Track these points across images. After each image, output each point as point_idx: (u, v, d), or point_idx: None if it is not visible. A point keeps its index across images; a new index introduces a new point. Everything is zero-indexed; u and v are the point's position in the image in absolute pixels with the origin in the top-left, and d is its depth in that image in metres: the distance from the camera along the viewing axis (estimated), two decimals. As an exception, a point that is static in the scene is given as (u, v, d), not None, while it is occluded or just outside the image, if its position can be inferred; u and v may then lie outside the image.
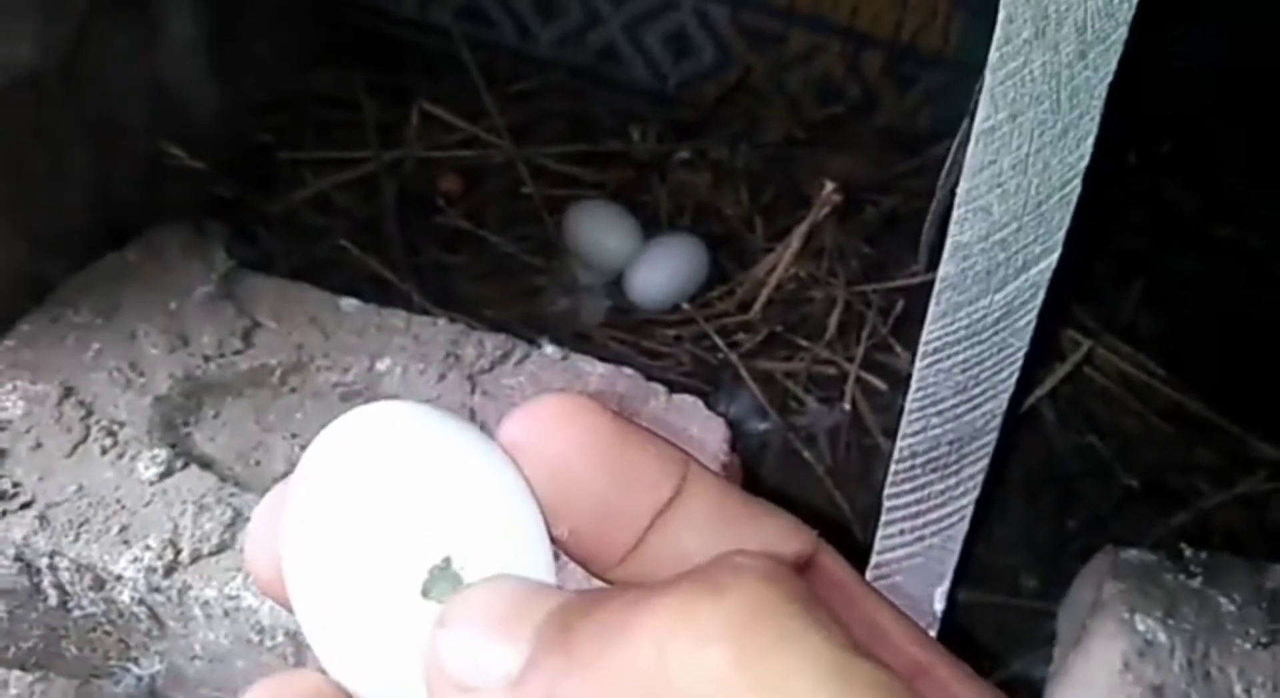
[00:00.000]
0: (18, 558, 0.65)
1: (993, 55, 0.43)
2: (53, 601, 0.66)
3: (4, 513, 0.65)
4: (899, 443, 0.54)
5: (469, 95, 1.16)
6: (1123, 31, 0.43)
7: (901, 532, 0.59)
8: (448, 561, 0.23)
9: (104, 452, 0.69)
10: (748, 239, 1.10)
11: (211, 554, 0.65)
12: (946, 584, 0.61)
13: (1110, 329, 1.04)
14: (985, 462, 0.55)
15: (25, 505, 0.66)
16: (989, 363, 0.50)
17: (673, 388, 0.80)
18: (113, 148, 0.92)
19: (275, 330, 0.80)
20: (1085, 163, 0.45)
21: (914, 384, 0.52)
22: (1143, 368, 1.02)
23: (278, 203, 1.06)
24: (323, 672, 0.23)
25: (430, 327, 0.82)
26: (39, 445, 0.69)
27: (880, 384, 0.97)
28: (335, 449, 0.24)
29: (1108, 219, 1.10)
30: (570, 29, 1.25)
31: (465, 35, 1.21)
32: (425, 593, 0.22)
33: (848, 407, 0.96)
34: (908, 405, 0.52)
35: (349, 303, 0.83)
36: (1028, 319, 0.49)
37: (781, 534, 0.26)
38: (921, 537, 0.59)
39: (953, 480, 0.56)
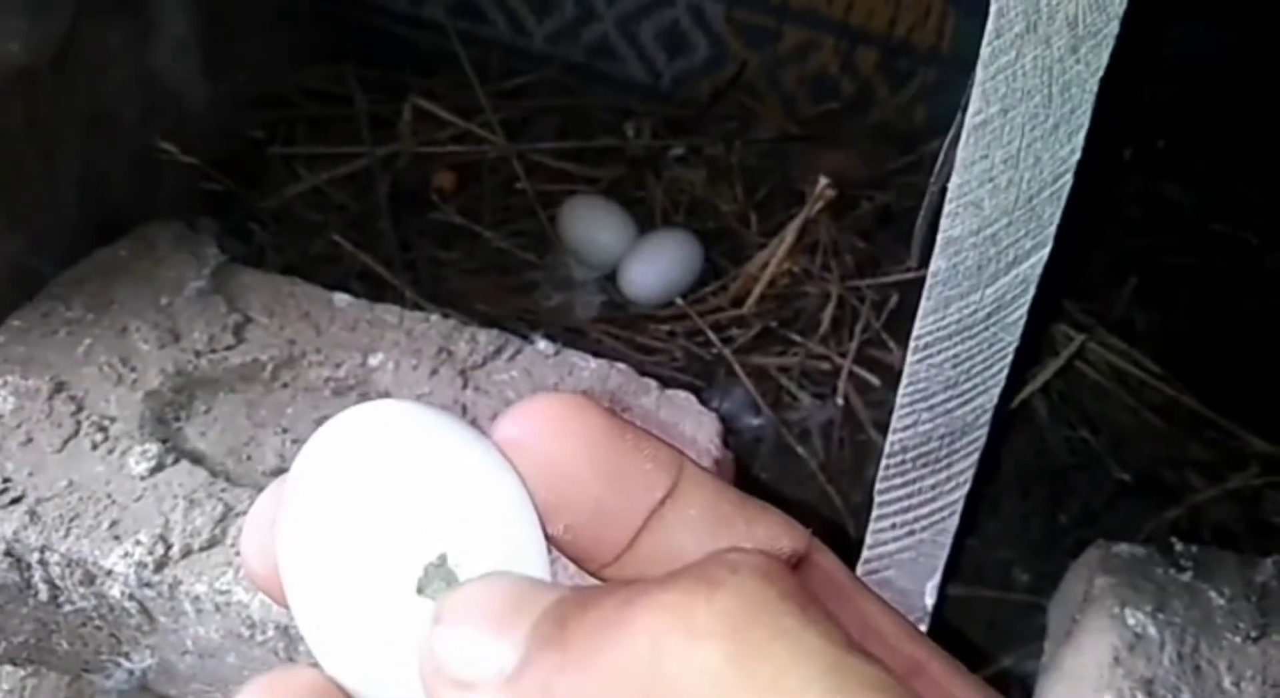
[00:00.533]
0: (8, 553, 0.64)
1: (984, 49, 0.43)
2: (43, 596, 0.66)
3: (-5, 508, 0.65)
4: (890, 438, 0.54)
5: (463, 91, 1.16)
6: (1114, 26, 0.43)
7: (893, 526, 0.59)
8: (443, 558, 0.23)
9: (95, 447, 0.69)
10: (742, 235, 1.10)
11: (202, 549, 0.65)
12: (938, 579, 0.62)
13: (1104, 324, 1.04)
14: (976, 457, 0.55)
15: (15, 500, 0.66)
16: (980, 358, 0.50)
17: (666, 383, 0.80)
18: (105, 143, 0.91)
19: (267, 326, 0.80)
20: (1077, 158, 0.45)
21: (905, 379, 0.52)
22: (1136, 363, 1.02)
23: (270, 198, 1.06)
24: (318, 668, 0.23)
25: (423, 322, 0.82)
26: (29, 440, 0.69)
27: (873, 379, 0.97)
28: (331, 447, 0.24)
29: (1102, 214, 1.10)
30: (564, 25, 1.25)
31: (459, 31, 1.21)
32: (420, 590, 0.23)
33: (841, 402, 0.96)
34: (898, 400, 0.52)
35: (341, 298, 0.83)
36: (1018, 314, 0.49)
37: (775, 532, 0.26)
38: (913, 532, 0.59)
39: (943, 475, 0.56)
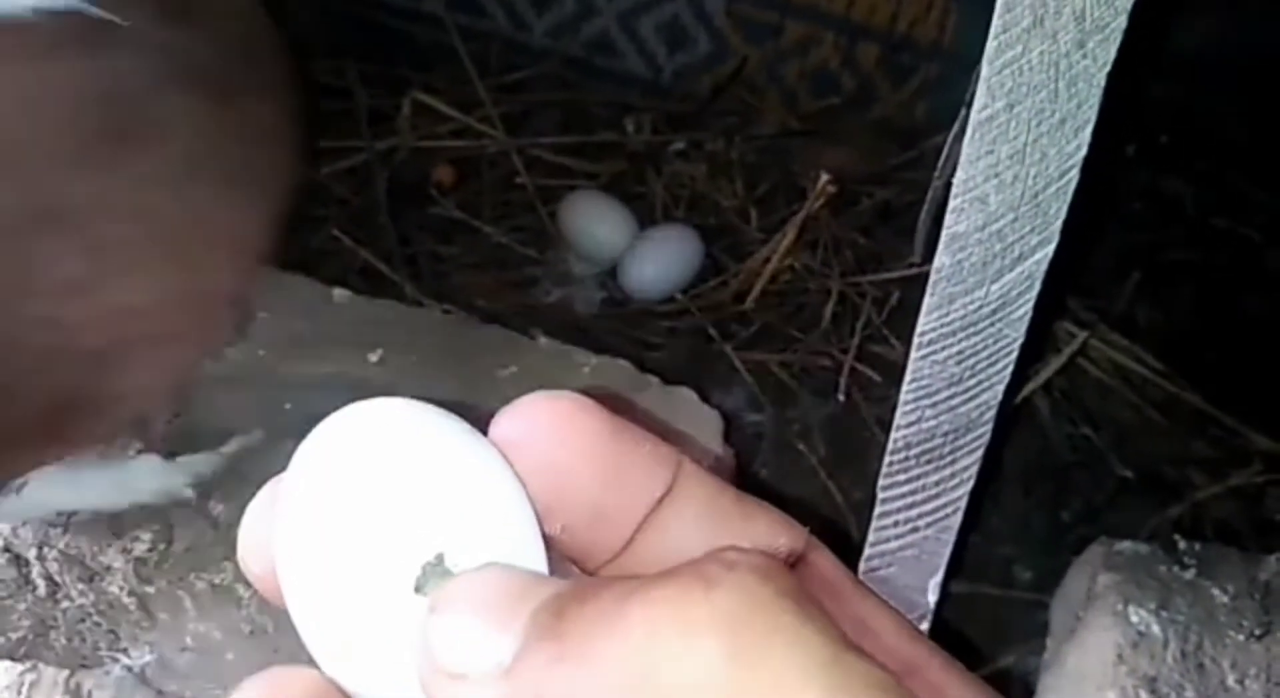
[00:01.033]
0: (6, 549, 0.64)
1: (990, 44, 0.43)
2: (41, 591, 0.65)
3: (-7, 504, 0.65)
4: (893, 435, 0.54)
5: (462, 85, 1.16)
6: (1121, 20, 0.42)
7: (895, 523, 0.59)
8: (441, 557, 0.23)
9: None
10: (742, 231, 1.09)
11: (203, 546, 0.65)
12: (940, 576, 0.61)
13: (1106, 321, 1.04)
14: (979, 454, 0.55)
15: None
16: (984, 355, 0.50)
17: (667, 380, 0.80)
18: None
19: (267, 321, 0.80)
20: (1083, 153, 0.45)
21: (909, 376, 0.51)
22: (1138, 360, 1.02)
23: (270, 193, 1.06)
24: (315, 668, 0.23)
25: (422, 318, 0.82)
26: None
27: (875, 376, 0.96)
28: (328, 446, 0.24)
29: (1105, 211, 1.10)
30: (564, 19, 1.25)
31: (458, 25, 1.20)
32: (419, 589, 0.22)
33: (842, 398, 0.95)
34: (902, 397, 0.52)
35: (341, 294, 0.83)
36: (1023, 311, 0.49)
37: (773, 531, 0.26)
38: (915, 528, 0.59)
39: (947, 472, 0.55)
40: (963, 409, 0.52)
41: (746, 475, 0.88)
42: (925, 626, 0.63)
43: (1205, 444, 0.97)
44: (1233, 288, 1.09)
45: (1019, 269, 0.47)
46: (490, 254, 1.06)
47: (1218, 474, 0.94)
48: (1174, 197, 1.16)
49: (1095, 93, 0.43)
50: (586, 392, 0.25)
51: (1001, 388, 0.51)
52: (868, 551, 0.60)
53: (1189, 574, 0.69)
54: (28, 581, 0.65)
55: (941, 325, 0.49)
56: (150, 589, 0.64)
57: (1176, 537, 0.72)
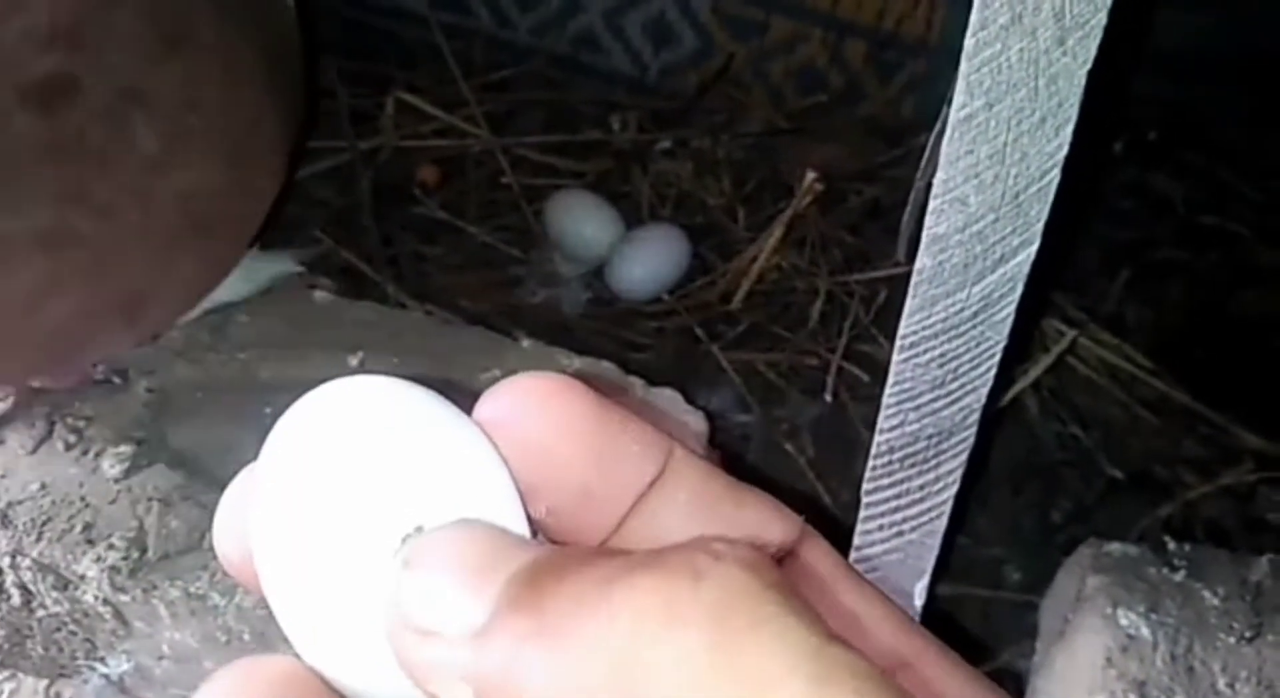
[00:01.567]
0: (-21, 558, 0.63)
1: (968, 42, 0.42)
2: (16, 600, 0.65)
3: (-35, 512, 0.64)
4: (877, 438, 0.53)
5: (446, 84, 1.15)
6: (1102, 17, 0.42)
7: (880, 527, 0.58)
8: (421, 531, 0.22)
9: (68, 448, 0.68)
10: (729, 229, 1.09)
11: (178, 553, 0.64)
12: (926, 579, 0.61)
13: (1095, 319, 1.03)
14: (964, 457, 0.54)
15: (-13, 504, 0.65)
16: (966, 357, 0.49)
17: (653, 380, 0.79)
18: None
19: (246, 324, 0.79)
20: (1064, 152, 0.44)
21: (891, 379, 0.51)
22: (1128, 359, 1.01)
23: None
24: (295, 657, 0.23)
25: (404, 320, 0.81)
26: (1, 442, 0.68)
27: (863, 375, 0.96)
28: (304, 424, 0.23)
29: (1093, 208, 1.09)
30: (549, 17, 1.24)
31: (442, 23, 1.19)
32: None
33: (830, 398, 0.95)
34: (885, 401, 0.51)
35: (322, 295, 0.82)
36: (1006, 313, 0.48)
37: (765, 519, 0.26)
38: (900, 532, 0.58)
39: (931, 476, 0.55)
40: (946, 413, 0.51)
41: (734, 476, 0.87)
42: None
43: (1196, 443, 0.96)
44: (1223, 286, 1.09)
45: (1001, 271, 0.46)
46: (475, 254, 1.05)
47: (1208, 473, 0.93)
48: (1163, 194, 1.15)
49: (1076, 91, 0.42)
50: (575, 376, 0.24)
51: (985, 391, 0.51)
52: (853, 555, 0.59)
53: (1179, 576, 0.69)
54: (1, 589, 0.64)
55: (923, 328, 0.48)
56: (125, 597, 0.63)
57: (1166, 538, 0.71)
